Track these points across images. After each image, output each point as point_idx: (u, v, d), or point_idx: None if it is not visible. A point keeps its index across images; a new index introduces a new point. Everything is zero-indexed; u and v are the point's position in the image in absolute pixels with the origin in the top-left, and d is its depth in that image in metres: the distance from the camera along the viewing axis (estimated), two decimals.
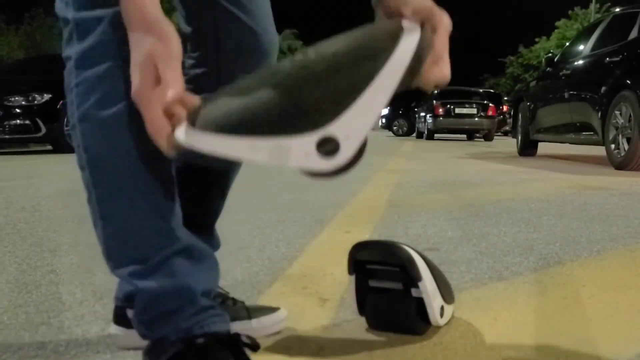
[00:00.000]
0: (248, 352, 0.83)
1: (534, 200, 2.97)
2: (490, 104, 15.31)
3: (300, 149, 0.59)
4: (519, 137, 7.72)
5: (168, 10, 0.87)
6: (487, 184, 3.89)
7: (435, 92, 15.91)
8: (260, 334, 1.02)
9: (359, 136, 0.59)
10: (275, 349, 0.99)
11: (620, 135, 5.11)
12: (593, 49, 6.11)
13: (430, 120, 15.24)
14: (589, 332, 1.06)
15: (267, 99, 0.61)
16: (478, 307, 1.21)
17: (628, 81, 5.04)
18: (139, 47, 0.67)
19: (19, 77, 8.32)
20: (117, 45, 0.74)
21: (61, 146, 7.85)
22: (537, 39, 35.20)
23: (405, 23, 0.65)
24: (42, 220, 2.33)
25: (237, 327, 1.00)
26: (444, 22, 0.69)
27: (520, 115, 7.75)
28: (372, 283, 1.07)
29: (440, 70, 0.68)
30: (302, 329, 1.08)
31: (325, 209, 2.60)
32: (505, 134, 20.59)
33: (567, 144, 6.69)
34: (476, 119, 15.12)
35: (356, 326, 1.09)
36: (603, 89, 5.43)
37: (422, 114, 16.47)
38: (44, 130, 7.63)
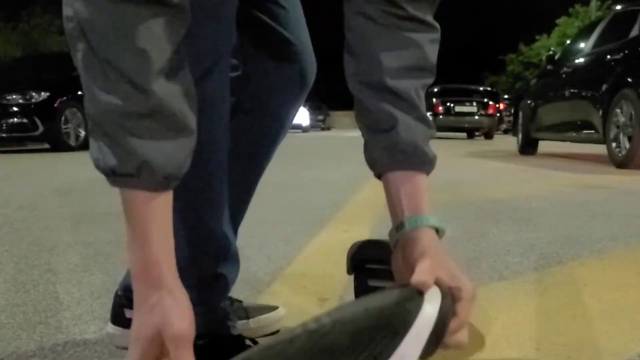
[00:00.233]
0: None
1: (535, 199, 2.96)
2: (491, 102, 15.29)
3: None
4: (520, 136, 7.71)
5: None
6: (487, 182, 3.88)
7: (435, 90, 15.90)
8: (258, 334, 1.02)
9: None
10: None
11: (621, 134, 5.10)
12: (594, 46, 6.09)
13: (430, 119, 15.21)
14: (590, 332, 1.05)
15: None
16: (478, 307, 1.21)
17: (629, 79, 5.03)
18: (146, 313, 0.60)
19: (16, 76, 8.31)
20: None
21: (59, 145, 7.85)
22: (537, 37, 35.13)
23: (427, 290, 0.63)
24: (40, 219, 2.33)
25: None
26: (470, 292, 0.66)
27: (520, 113, 7.74)
28: (372, 282, 1.06)
29: (457, 339, 0.65)
30: None
31: (324, 208, 2.60)
32: (506, 132, 20.57)
33: (568, 143, 6.68)
34: (476, 117, 15.08)
35: None
36: (604, 87, 5.41)
37: None
38: (41, 128, 7.63)
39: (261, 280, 1.40)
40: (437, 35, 0.77)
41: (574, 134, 6.16)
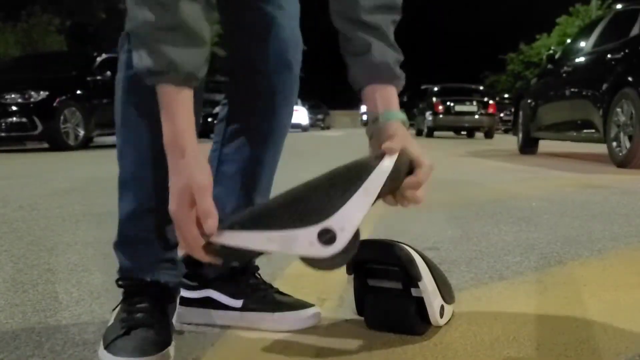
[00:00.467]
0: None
1: (535, 199, 2.96)
2: (491, 101, 15.27)
3: (305, 238, 0.77)
4: (520, 135, 7.70)
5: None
6: (487, 182, 3.88)
7: (435, 89, 15.89)
8: (280, 328, 1.05)
9: (351, 228, 0.78)
10: (273, 348, 0.98)
11: (621, 133, 5.09)
12: (594, 46, 6.08)
13: (430, 118, 15.20)
14: (590, 332, 1.05)
15: (281, 203, 0.81)
16: (478, 307, 1.21)
17: (630, 78, 5.02)
18: (177, 174, 0.79)
19: (15, 75, 8.30)
20: None
21: (58, 144, 7.84)
22: (537, 36, 35.06)
23: (387, 149, 0.86)
24: (39, 219, 2.32)
25: (256, 317, 1.06)
26: (428, 163, 0.89)
27: (521, 112, 7.73)
28: (372, 282, 1.06)
29: (415, 195, 0.89)
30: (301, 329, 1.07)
31: None
32: (506, 131, 20.55)
33: (568, 142, 6.67)
34: (476, 116, 15.06)
35: (355, 326, 1.08)
36: (604, 86, 5.41)
37: (422, 111, 16.44)
38: (40, 128, 7.62)
39: None
40: None
41: (575, 134, 6.15)
